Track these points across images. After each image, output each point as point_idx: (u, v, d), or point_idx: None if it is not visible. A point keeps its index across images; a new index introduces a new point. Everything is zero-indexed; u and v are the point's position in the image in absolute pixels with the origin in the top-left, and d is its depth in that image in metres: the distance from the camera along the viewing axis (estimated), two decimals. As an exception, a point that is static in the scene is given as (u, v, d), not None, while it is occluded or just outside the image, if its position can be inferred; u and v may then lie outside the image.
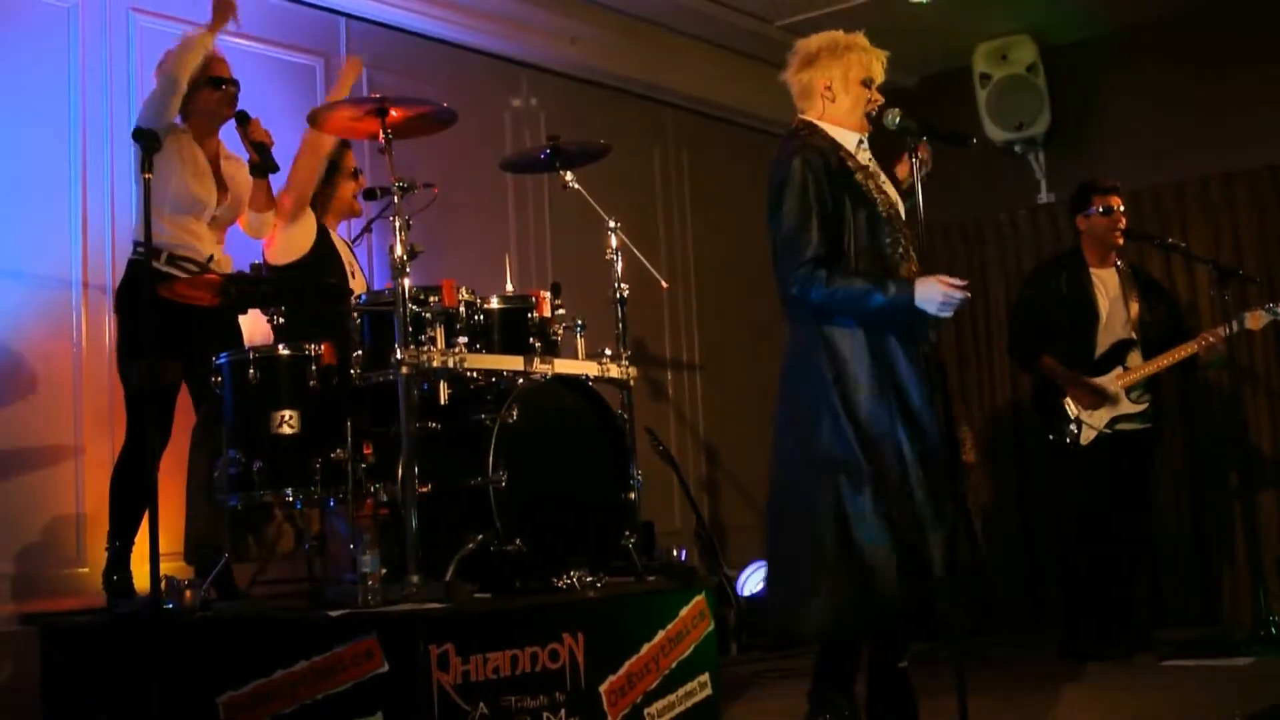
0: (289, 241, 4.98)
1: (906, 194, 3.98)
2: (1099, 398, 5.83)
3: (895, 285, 3.72)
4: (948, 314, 3.70)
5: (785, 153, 3.87)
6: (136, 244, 4.73)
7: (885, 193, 3.87)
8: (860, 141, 3.93)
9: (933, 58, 7.82)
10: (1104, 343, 5.93)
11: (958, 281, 3.68)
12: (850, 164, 3.86)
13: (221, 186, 4.90)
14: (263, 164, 4.85)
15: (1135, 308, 5.99)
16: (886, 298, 3.71)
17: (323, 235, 5.08)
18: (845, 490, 3.71)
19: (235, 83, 4.92)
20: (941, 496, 3.73)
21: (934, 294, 3.68)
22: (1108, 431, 5.84)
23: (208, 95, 4.86)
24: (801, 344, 3.87)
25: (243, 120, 4.86)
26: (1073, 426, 5.85)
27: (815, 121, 3.96)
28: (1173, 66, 7.49)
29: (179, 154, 4.77)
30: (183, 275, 4.68)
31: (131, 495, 4.63)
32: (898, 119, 3.83)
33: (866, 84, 3.93)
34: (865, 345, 3.77)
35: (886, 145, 4.01)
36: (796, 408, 3.86)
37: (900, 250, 3.82)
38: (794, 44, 4.06)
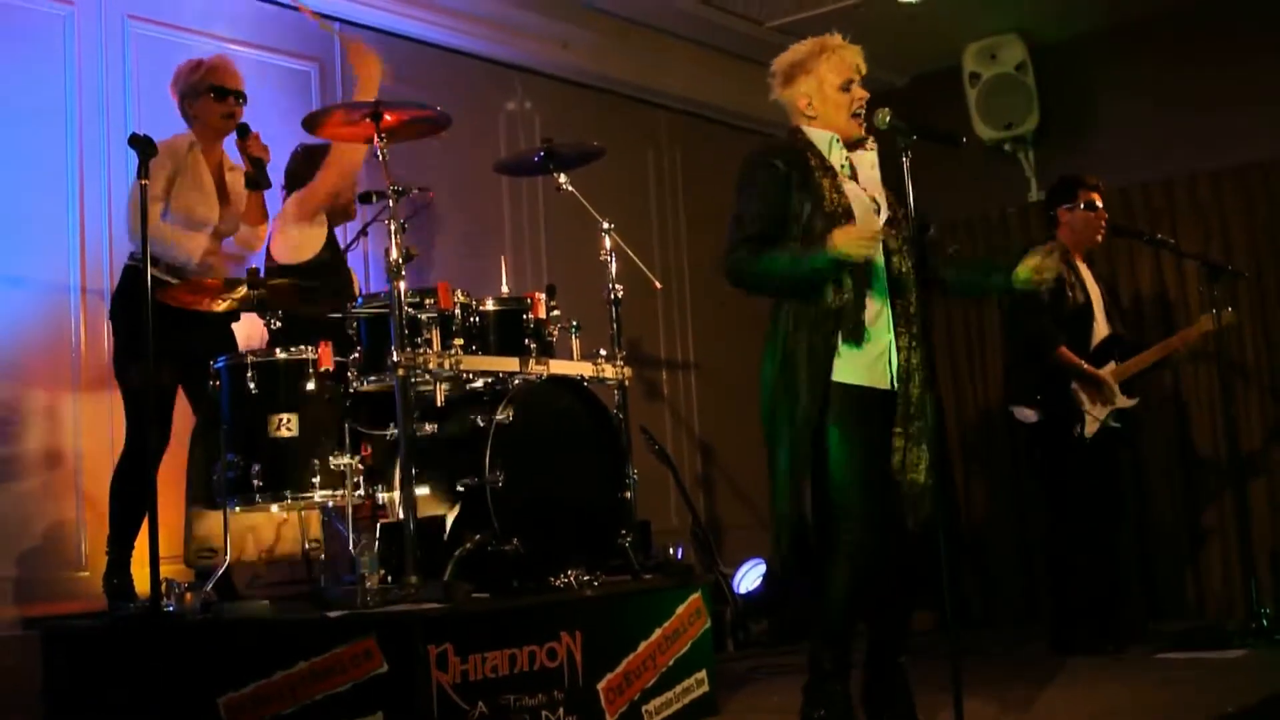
0: (298, 244, 4.97)
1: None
2: (1105, 391, 5.83)
3: (808, 249, 3.76)
4: (867, 252, 3.70)
5: (749, 155, 3.97)
6: (133, 253, 4.74)
7: (841, 193, 3.85)
8: (835, 139, 3.93)
9: (922, 57, 7.83)
10: (1097, 336, 5.93)
11: (869, 230, 3.71)
12: (814, 163, 3.87)
13: (224, 199, 4.88)
14: (256, 178, 4.84)
15: (1108, 303, 6.02)
16: (802, 257, 3.76)
17: (332, 238, 5.08)
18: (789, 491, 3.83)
19: (242, 96, 4.89)
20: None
21: (846, 238, 3.67)
22: (1112, 425, 5.85)
23: (210, 104, 4.85)
24: (764, 346, 3.95)
25: (243, 133, 4.84)
26: (1079, 420, 5.83)
27: (802, 127, 4.00)
28: (1160, 64, 7.50)
29: (184, 170, 4.75)
30: (179, 282, 4.68)
31: (131, 498, 4.63)
32: (888, 118, 3.82)
33: (846, 87, 3.93)
34: (802, 351, 3.81)
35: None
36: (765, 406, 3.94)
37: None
38: (785, 44, 4.06)
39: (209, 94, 4.83)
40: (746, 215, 3.88)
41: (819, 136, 3.95)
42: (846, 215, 3.80)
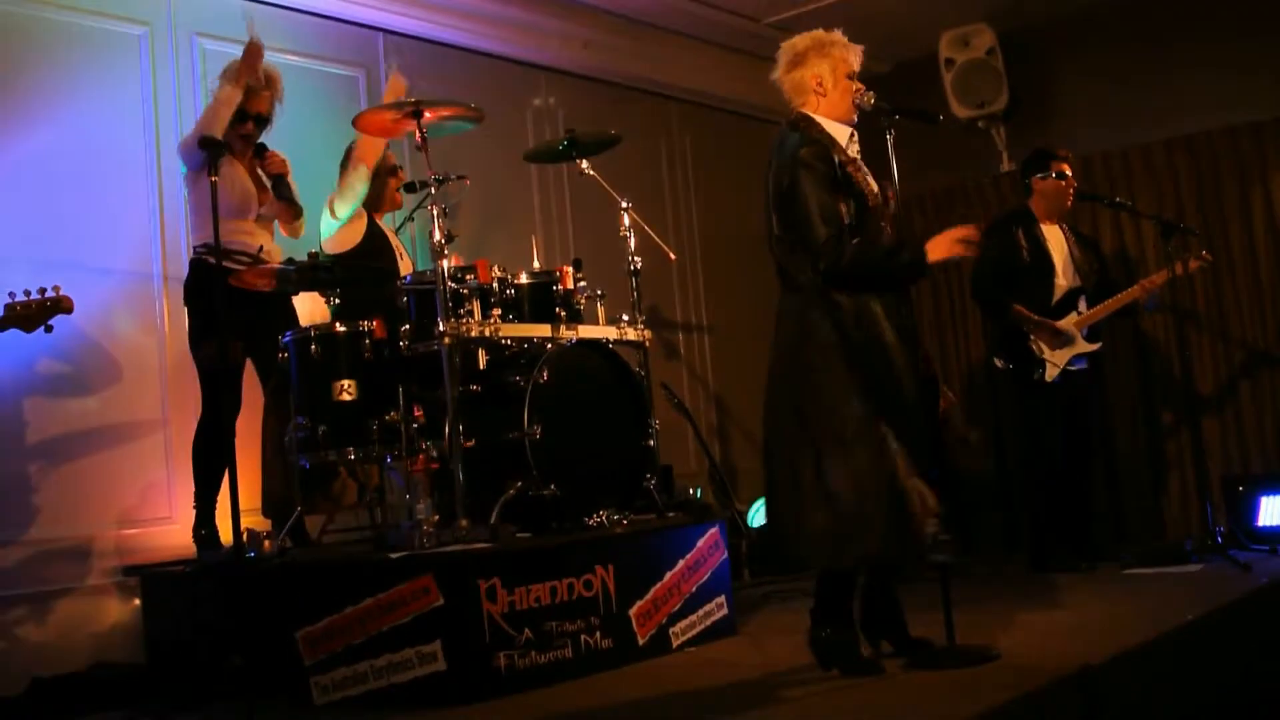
0: (342, 239, 4.97)
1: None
2: (1062, 339, 5.80)
3: (910, 250, 3.67)
4: (960, 253, 3.65)
5: (791, 144, 3.72)
6: (196, 246, 4.76)
7: (869, 184, 3.74)
8: (851, 135, 3.80)
9: (903, 46, 7.76)
10: (1059, 290, 5.89)
11: (967, 235, 3.63)
12: (840, 158, 3.71)
13: (261, 188, 4.87)
14: (282, 191, 4.83)
15: (1078, 260, 5.96)
16: (906, 259, 3.65)
17: (371, 226, 5.07)
18: (856, 434, 3.59)
19: (263, 119, 4.85)
20: (926, 438, 3.66)
21: (940, 247, 3.63)
22: (1071, 369, 5.82)
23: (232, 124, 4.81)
24: (804, 309, 3.69)
25: (259, 153, 4.83)
26: (1040, 365, 5.82)
27: (811, 115, 3.81)
28: (1116, 46, 7.43)
29: (222, 169, 4.72)
30: (240, 267, 4.67)
31: (209, 459, 4.67)
32: (873, 101, 3.77)
33: (850, 77, 3.83)
34: (864, 308, 3.64)
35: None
36: (799, 364, 3.69)
37: (884, 237, 3.71)
38: (780, 44, 3.95)
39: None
40: (822, 214, 3.61)
41: (838, 130, 3.77)
42: (882, 206, 3.72)
